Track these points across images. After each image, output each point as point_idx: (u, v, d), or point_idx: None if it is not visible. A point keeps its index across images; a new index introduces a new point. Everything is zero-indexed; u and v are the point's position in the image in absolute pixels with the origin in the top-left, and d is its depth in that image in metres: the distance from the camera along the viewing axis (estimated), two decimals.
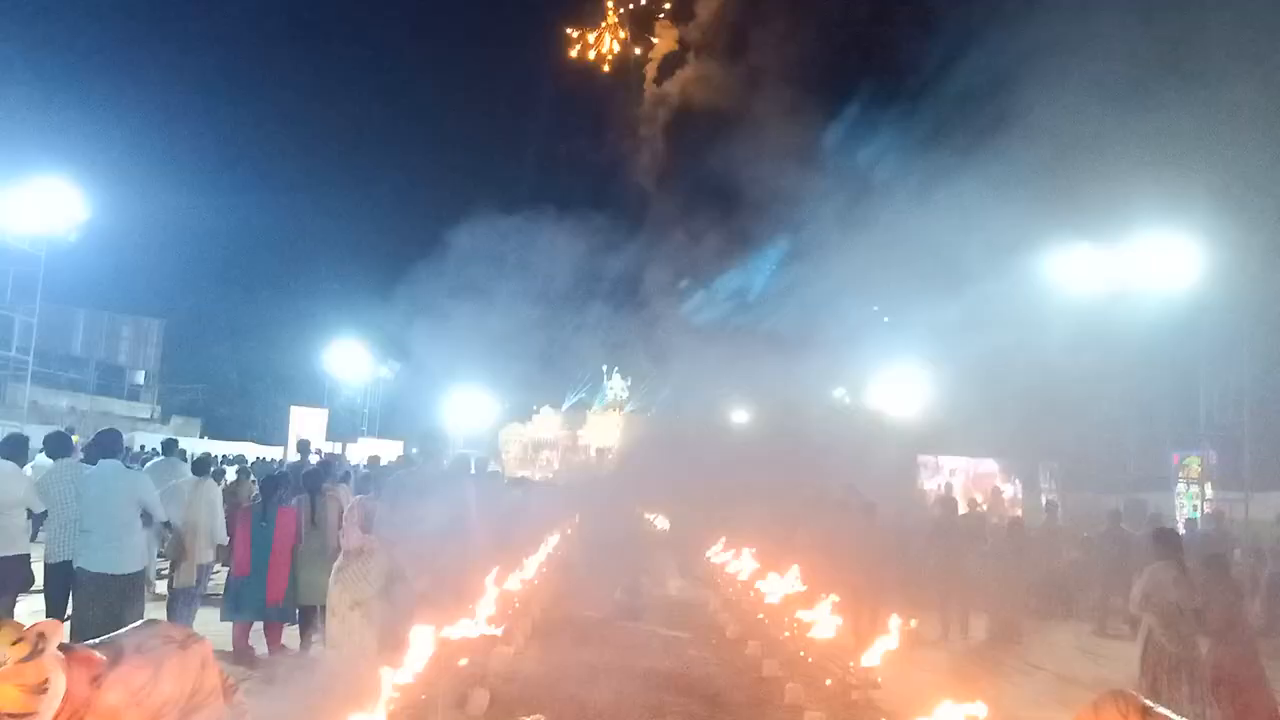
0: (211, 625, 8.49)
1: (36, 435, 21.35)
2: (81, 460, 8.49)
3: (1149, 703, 3.81)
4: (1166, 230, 18.52)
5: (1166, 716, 3.67)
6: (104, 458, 7.71)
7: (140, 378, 47.92)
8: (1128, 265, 19.28)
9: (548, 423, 47.00)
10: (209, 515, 9.29)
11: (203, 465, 10.10)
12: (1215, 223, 18.20)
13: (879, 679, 7.23)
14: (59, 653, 3.16)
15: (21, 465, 8.92)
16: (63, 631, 3.32)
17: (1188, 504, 19.17)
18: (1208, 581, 7.42)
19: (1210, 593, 7.29)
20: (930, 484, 22.53)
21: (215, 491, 9.78)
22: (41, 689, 2.99)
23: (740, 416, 39.10)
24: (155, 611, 8.16)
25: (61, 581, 7.63)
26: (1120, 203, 18.35)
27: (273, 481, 8.90)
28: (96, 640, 3.69)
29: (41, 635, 3.03)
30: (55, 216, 21.17)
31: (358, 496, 7.73)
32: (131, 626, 3.99)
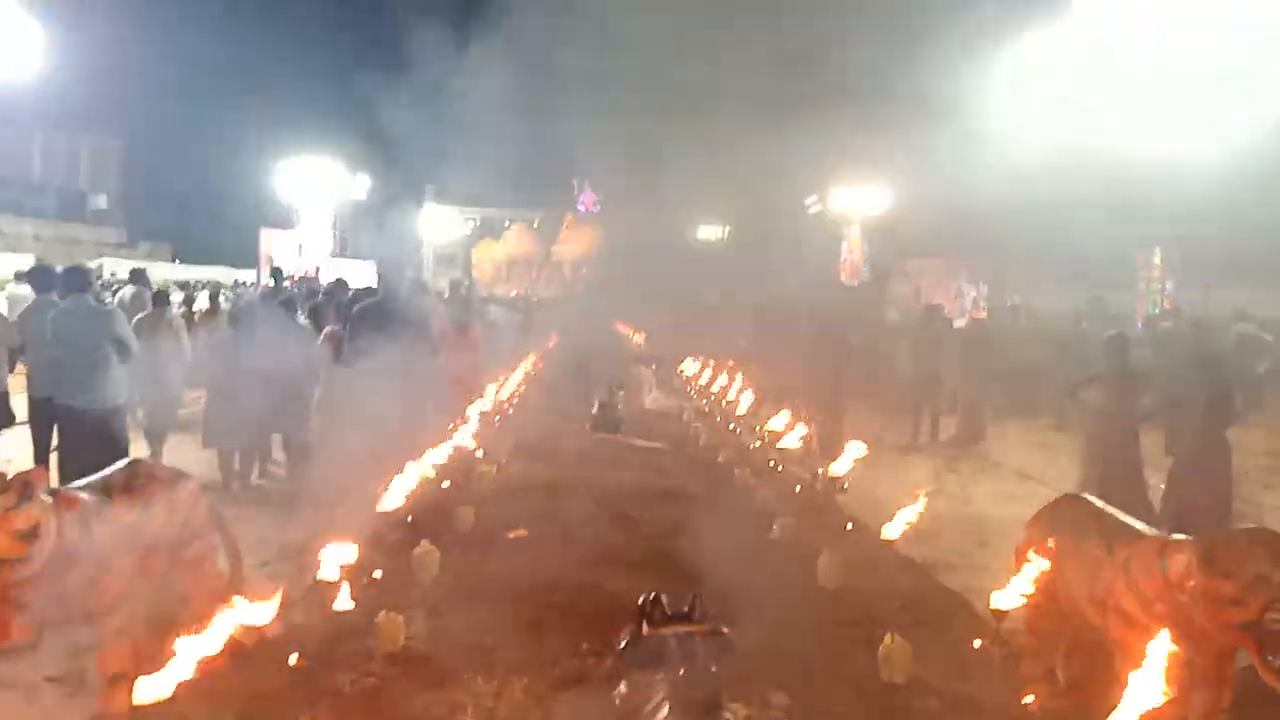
0: (194, 451, 8.72)
1: (3, 265, 21.04)
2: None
3: (1101, 504, 4.05)
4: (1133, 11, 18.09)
5: (1116, 516, 3.92)
6: (72, 293, 7.69)
7: (104, 201, 46.92)
8: (1097, 55, 18.90)
9: (520, 238, 46.71)
10: (173, 343, 9.43)
11: (162, 298, 10.15)
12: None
13: (846, 484, 7.55)
14: (47, 498, 3.27)
15: None
16: (49, 478, 3.42)
17: (1149, 301, 19.54)
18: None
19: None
20: (899, 289, 22.80)
21: (176, 320, 9.88)
22: (32, 535, 3.11)
23: (712, 226, 39.02)
24: (135, 441, 8.34)
25: (45, 417, 7.74)
26: None
27: (243, 312, 8.91)
28: (84, 481, 3.82)
29: (28, 483, 3.13)
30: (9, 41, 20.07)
31: (328, 329, 7.78)
32: (117, 467, 4.11)
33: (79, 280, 7.71)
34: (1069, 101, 18.52)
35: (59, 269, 8.14)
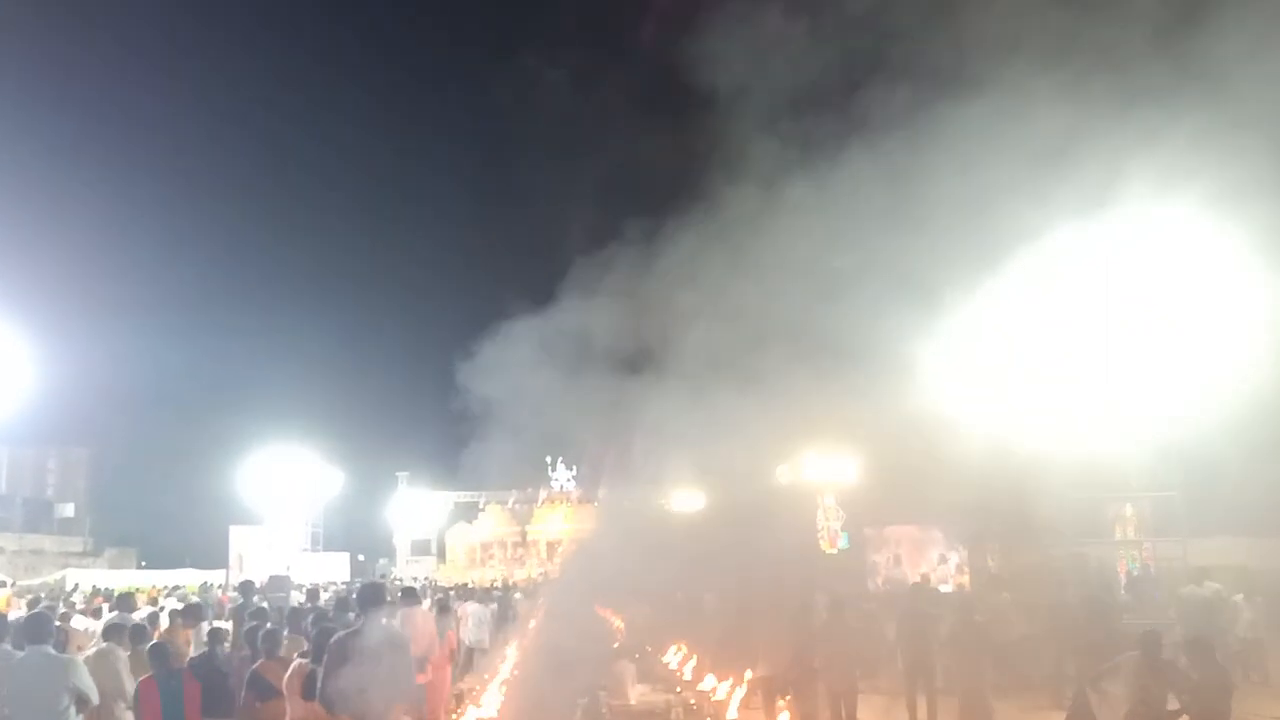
0: None
1: None
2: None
3: None
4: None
5: None
6: (33, 644, 7.44)
7: (70, 510, 46.54)
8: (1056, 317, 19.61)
9: (495, 520, 46.41)
10: (117, 682, 9.08)
11: (113, 632, 9.77)
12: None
13: None
14: None
15: None
16: None
17: (1128, 556, 19.40)
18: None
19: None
20: (876, 556, 22.62)
21: (120, 657, 9.53)
22: None
23: (688, 494, 38.95)
24: None
25: None
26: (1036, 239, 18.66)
27: (160, 650, 8.47)
28: None
29: None
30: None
31: (297, 661, 7.51)
32: None
33: (39, 630, 7.48)
34: (1029, 364, 19.07)
35: (14, 617, 7.92)
